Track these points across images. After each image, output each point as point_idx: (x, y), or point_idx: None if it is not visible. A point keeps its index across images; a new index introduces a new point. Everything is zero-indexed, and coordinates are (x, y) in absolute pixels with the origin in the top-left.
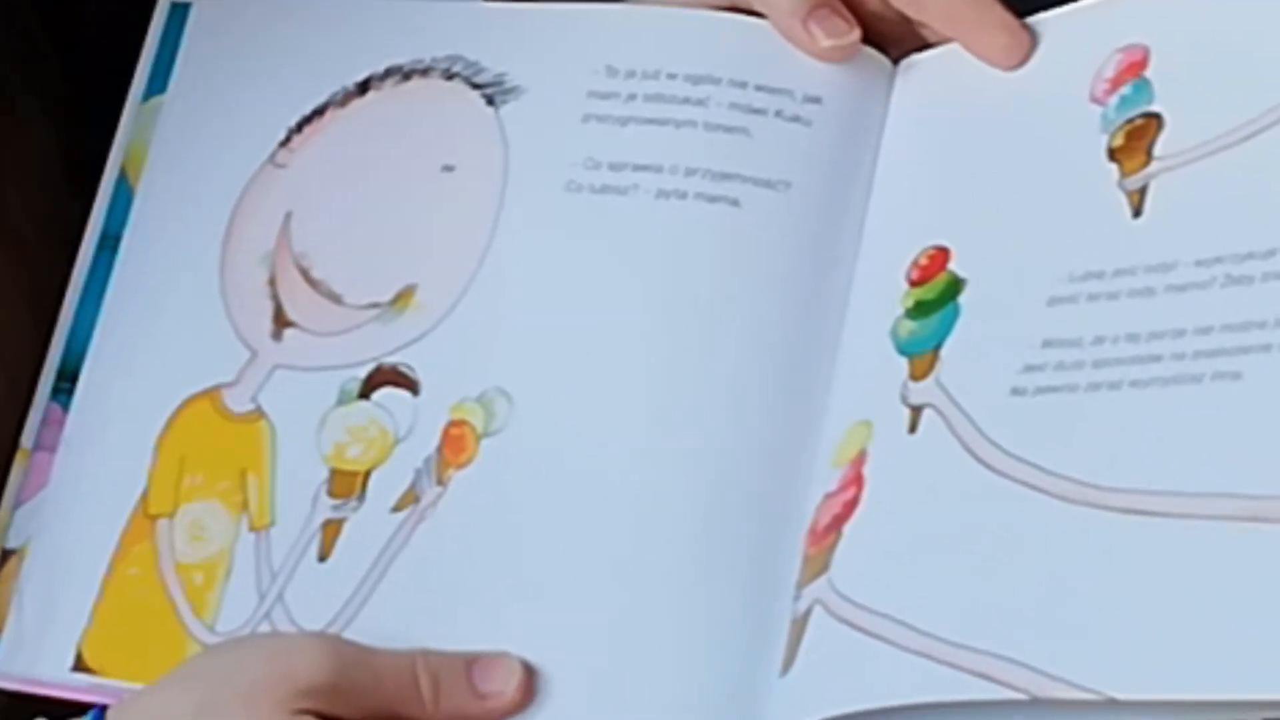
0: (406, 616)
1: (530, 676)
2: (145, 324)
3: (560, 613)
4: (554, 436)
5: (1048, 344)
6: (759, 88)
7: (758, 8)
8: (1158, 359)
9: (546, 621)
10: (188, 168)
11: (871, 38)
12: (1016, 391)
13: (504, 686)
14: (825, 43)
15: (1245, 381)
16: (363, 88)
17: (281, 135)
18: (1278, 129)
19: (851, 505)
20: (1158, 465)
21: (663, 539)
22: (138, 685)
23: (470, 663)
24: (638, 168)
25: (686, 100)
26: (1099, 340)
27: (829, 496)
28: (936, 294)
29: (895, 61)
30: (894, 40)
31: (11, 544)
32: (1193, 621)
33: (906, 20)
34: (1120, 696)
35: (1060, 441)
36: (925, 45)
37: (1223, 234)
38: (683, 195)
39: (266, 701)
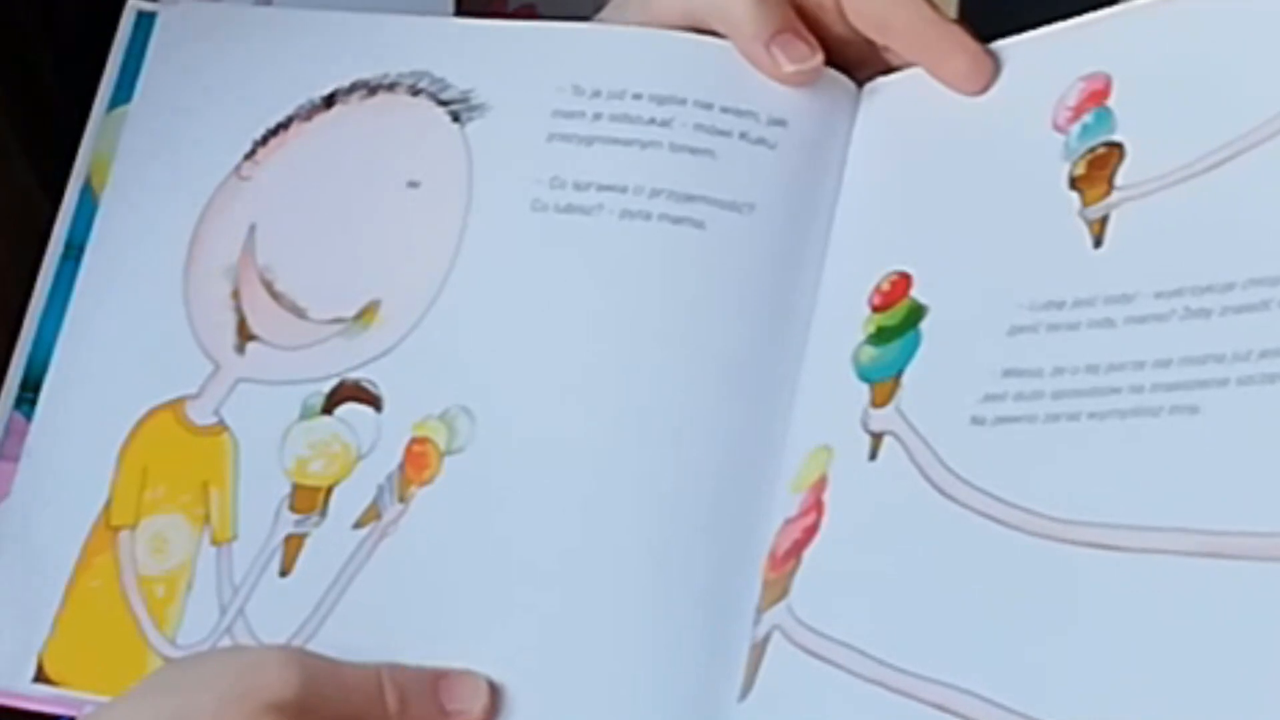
0: (367, 633)
1: (495, 696)
2: (108, 335)
3: (519, 632)
4: (516, 455)
5: (1008, 373)
6: (724, 109)
7: (721, 30)
8: (1117, 391)
9: (505, 640)
10: (152, 178)
11: (836, 61)
12: (976, 421)
13: (470, 705)
14: (788, 67)
15: (1203, 416)
16: (328, 101)
17: (247, 147)
18: (1239, 161)
19: (811, 531)
20: (1116, 498)
21: (622, 560)
22: (99, 697)
23: (437, 678)
24: (602, 188)
25: (652, 121)
26: (1059, 371)
27: (789, 522)
28: (898, 320)
29: (860, 85)
30: (858, 63)
31: None
32: (1151, 656)
33: (871, 44)
34: None
35: (1019, 472)
36: (890, 69)
37: (1182, 266)
38: (647, 216)
39: (234, 714)
